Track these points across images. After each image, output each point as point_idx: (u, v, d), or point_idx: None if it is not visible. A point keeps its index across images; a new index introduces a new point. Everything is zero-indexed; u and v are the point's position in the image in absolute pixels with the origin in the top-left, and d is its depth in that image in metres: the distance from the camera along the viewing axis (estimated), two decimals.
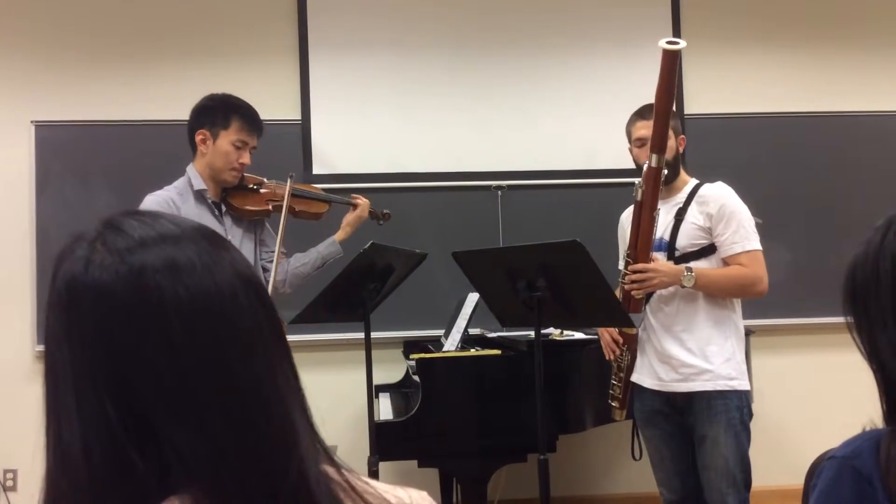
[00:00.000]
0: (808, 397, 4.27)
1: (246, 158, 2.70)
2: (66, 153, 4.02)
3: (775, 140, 4.33)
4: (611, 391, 2.69)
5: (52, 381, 0.70)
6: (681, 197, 2.64)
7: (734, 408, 2.49)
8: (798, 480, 1.80)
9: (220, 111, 2.68)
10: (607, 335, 2.69)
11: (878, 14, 4.48)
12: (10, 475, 3.97)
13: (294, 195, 2.83)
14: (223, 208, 2.75)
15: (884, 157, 4.37)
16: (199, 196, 2.68)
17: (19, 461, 3.97)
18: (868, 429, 1.08)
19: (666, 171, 2.49)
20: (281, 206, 2.74)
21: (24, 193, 4.00)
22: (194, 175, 2.69)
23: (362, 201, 3.02)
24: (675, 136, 2.61)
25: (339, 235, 2.97)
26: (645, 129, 2.60)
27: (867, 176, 4.34)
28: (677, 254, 2.59)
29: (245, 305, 0.72)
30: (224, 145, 2.66)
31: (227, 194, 2.76)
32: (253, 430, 0.69)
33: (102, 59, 4.11)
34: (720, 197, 2.57)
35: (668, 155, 2.53)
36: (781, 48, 4.43)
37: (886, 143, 4.39)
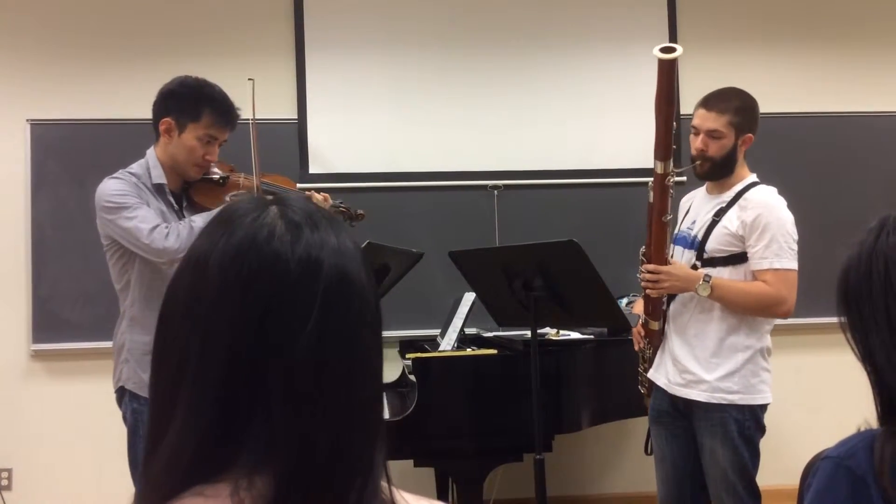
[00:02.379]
0: (803, 397, 4.28)
1: (213, 154, 2.44)
2: (61, 152, 4.01)
3: (773, 140, 4.32)
4: (639, 378, 2.72)
5: (193, 337, 0.70)
6: (727, 196, 2.51)
7: (732, 421, 2.42)
8: (793, 481, 1.80)
9: (190, 100, 2.40)
10: (635, 327, 2.71)
11: (877, 14, 4.49)
12: (4, 474, 3.96)
13: (264, 191, 2.60)
14: (184, 202, 2.50)
15: (884, 157, 4.38)
16: (158, 190, 2.41)
17: (14, 460, 3.96)
18: (863, 429, 1.09)
19: (672, 177, 2.41)
20: None
21: (19, 192, 3.98)
22: (154, 164, 2.42)
23: (318, 197, 2.69)
24: (736, 134, 2.48)
25: None
26: (699, 118, 2.51)
27: (866, 176, 4.35)
28: (705, 256, 2.49)
29: (377, 306, 0.76)
30: (190, 140, 2.39)
31: (190, 187, 2.51)
32: (353, 426, 0.71)
33: (98, 58, 4.10)
34: (760, 205, 2.42)
35: (719, 152, 2.46)
36: (778, 48, 4.43)
37: (886, 144, 4.39)
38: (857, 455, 1.05)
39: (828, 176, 4.34)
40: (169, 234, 2.26)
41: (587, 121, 4.28)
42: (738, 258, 2.45)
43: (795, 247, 2.44)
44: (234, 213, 0.74)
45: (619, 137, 4.22)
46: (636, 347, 2.71)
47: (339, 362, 0.71)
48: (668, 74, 2.30)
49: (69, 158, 4.00)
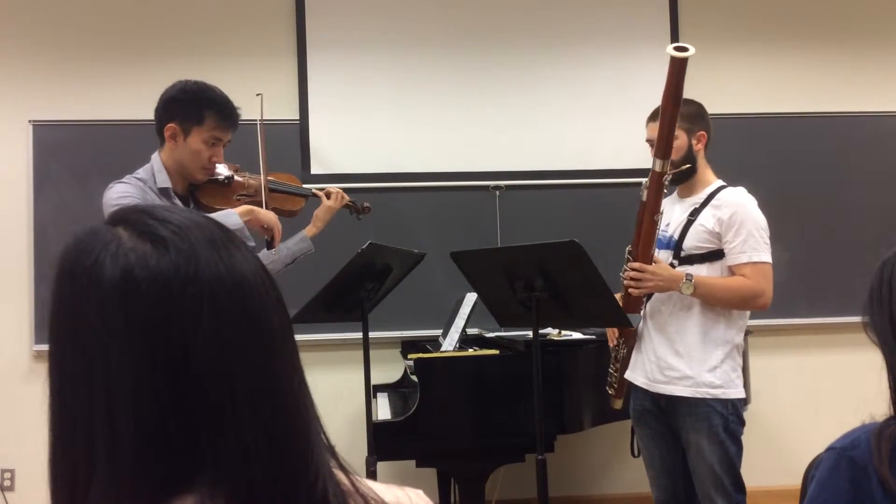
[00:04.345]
0: (804, 397, 4.28)
1: (218, 155, 2.47)
2: (63, 153, 4.02)
3: (773, 140, 4.33)
4: (608, 378, 2.75)
5: (97, 376, 0.67)
6: (699, 197, 2.60)
7: (716, 415, 2.47)
8: (794, 480, 1.80)
9: (192, 105, 2.42)
10: None
11: (877, 14, 4.49)
12: (7, 475, 3.97)
13: (270, 190, 2.62)
14: (191, 204, 2.52)
15: (883, 157, 4.38)
16: (164, 193, 2.43)
17: (17, 461, 3.97)
18: (867, 422, 1.13)
19: (670, 177, 2.47)
20: (252, 202, 2.53)
21: (21, 193, 3.99)
22: (159, 168, 2.44)
23: (335, 191, 2.80)
24: (688, 134, 2.58)
25: (310, 230, 2.73)
26: (650, 131, 2.60)
27: (865, 176, 4.35)
28: (683, 254, 2.56)
29: (273, 300, 0.75)
30: (195, 143, 2.42)
31: (195, 188, 2.53)
32: (282, 427, 0.71)
33: (100, 59, 4.11)
34: (734, 203, 2.52)
35: (676, 155, 2.53)
36: (779, 49, 4.43)
37: (885, 144, 4.39)
38: (860, 446, 1.09)
39: (826, 176, 4.33)
40: None
41: (589, 121, 4.28)
42: (715, 255, 2.54)
43: (769, 241, 2.53)
44: (86, 249, 0.70)
45: (621, 137, 4.22)
46: (610, 345, 2.74)
47: (246, 355, 0.70)
48: (678, 73, 2.35)
49: (71, 159, 4.01)
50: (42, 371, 4.07)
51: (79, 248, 0.71)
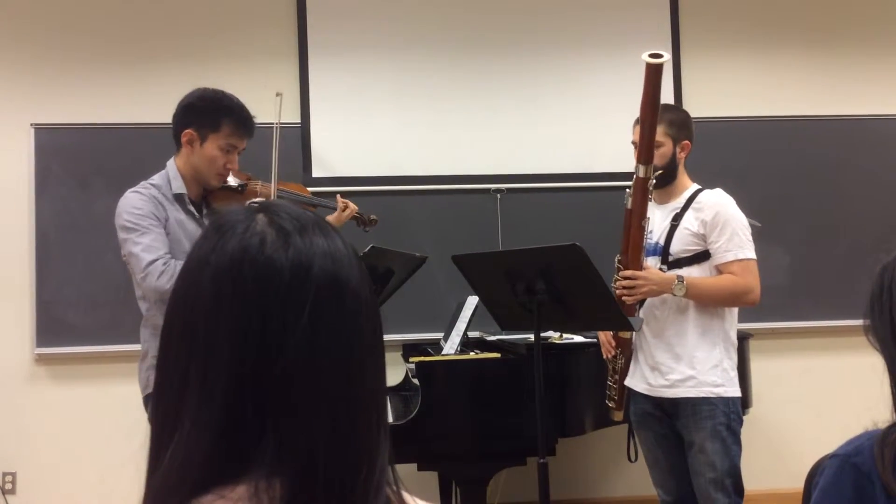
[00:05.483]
0: (806, 401, 4.27)
1: (233, 162, 2.51)
2: (65, 156, 4.02)
3: (774, 143, 4.33)
4: (607, 391, 2.75)
5: (194, 351, 0.71)
6: (679, 202, 2.64)
7: (720, 414, 2.50)
8: (796, 484, 1.80)
9: (209, 111, 2.47)
10: (603, 335, 2.76)
11: (878, 17, 4.49)
12: (8, 478, 3.97)
13: (280, 198, 2.66)
14: (203, 210, 2.56)
15: (883, 160, 4.38)
16: (179, 199, 2.47)
17: (18, 464, 3.97)
18: (870, 429, 1.12)
19: (654, 181, 2.50)
20: None
21: (23, 196, 3.99)
22: (175, 175, 2.48)
23: (350, 206, 2.86)
24: (674, 143, 2.62)
25: None
26: (636, 134, 2.62)
27: (866, 179, 4.35)
28: (671, 258, 2.60)
29: (370, 315, 0.76)
30: (211, 150, 2.46)
31: (209, 194, 2.58)
32: (353, 438, 0.72)
33: (102, 62, 4.12)
34: (716, 204, 2.57)
35: (660, 161, 2.55)
36: (780, 51, 4.43)
37: (886, 147, 4.39)
38: (863, 452, 1.09)
39: (827, 179, 4.33)
40: (163, 273, 2.28)
41: (590, 124, 4.28)
42: (702, 256, 2.59)
43: (751, 238, 2.58)
44: (223, 224, 0.76)
45: (622, 141, 4.19)
46: (606, 356, 2.74)
47: (336, 363, 0.71)
48: (654, 80, 2.38)
49: (73, 162, 4.01)
50: (42, 375, 4.09)
51: (217, 222, 0.77)
